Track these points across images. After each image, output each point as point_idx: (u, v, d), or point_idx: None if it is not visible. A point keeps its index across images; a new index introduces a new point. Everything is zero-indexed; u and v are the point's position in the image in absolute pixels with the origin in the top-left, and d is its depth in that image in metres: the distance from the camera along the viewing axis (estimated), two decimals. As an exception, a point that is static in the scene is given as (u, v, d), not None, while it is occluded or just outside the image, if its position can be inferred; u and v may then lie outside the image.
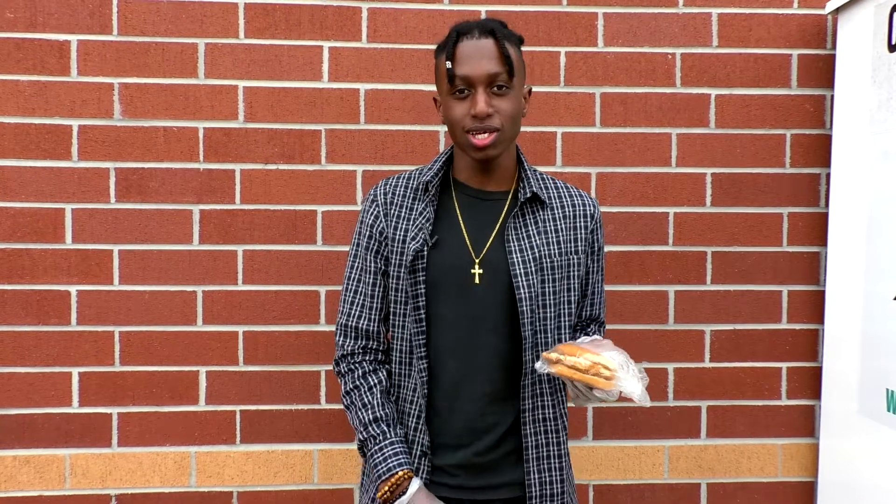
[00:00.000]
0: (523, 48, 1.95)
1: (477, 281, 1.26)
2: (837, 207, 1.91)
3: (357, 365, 1.33)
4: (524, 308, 1.25)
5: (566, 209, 1.34)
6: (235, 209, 1.91)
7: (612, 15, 1.95)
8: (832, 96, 1.97)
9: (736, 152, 1.98)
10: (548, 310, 1.28)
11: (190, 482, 1.91)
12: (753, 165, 1.99)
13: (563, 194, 1.36)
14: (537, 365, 1.18)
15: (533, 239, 1.29)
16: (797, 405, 2.02)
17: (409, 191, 1.33)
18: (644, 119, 1.97)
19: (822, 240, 1.99)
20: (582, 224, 1.34)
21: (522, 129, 1.93)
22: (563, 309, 1.31)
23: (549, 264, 1.28)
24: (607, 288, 1.97)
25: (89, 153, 1.87)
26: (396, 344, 1.32)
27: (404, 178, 1.36)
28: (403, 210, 1.31)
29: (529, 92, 1.33)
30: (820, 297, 2.00)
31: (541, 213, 1.32)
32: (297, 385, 1.93)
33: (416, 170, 1.37)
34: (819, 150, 1.99)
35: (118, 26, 1.86)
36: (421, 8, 1.91)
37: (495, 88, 1.21)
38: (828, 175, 1.98)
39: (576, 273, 1.33)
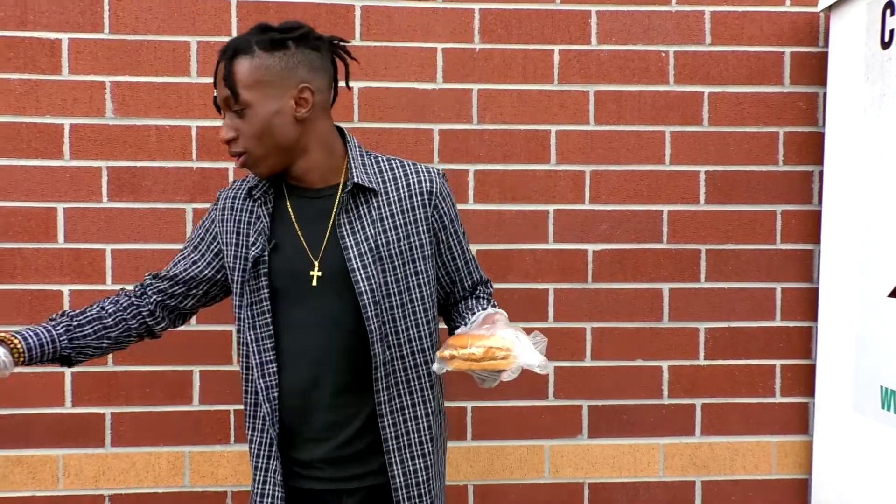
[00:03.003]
0: (518, 45, 1.94)
1: (314, 283, 1.25)
2: (831, 205, 1.91)
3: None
4: (366, 301, 1.24)
5: (401, 191, 1.30)
6: (229, 208, 1.90)
7: (606, 13, 1.95)
8: (825, 94, 1.97)
9: (729, 150, 1.98)
10: (394, 298, 1.26)
11: (184, 482, 1.91)
12: (747, 163, 1.99)
13: (398, 174, 1.31)
14: (434, 367, 1.15)
15: (368, 229, 1.26)
16: (791, 402, 2.02)
17: (245, 193, 1.32)
18: (638, 117, 1.97)
19: (816, 237, 2.00)
20: (419, 203, 1.30)
21: (516, 127, 1.94)
22: (414, 294, 1.29)
23: (386, 252, 1.26)
24: (603, 286, 1.97)
25: (81, 152, 1.86)
26: (245, 350, 1.31)
27: (246, 182, 1.35)
28: (244, 214, 1.30)
29: (301, 91, 1.22)
30: (813, 294, 2.00)
31: (374, 200, 1.28)
32: (291, 384, 1.93)
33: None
34: (812, 148, 2.00)
35: (110, 24, 1.85)
36: (414, 6, 1.91)
37: (235, 111, 1.22)
38: (821, 172, 1.99)
39: (421, 255, 1.29)
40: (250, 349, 1.29)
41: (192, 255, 1.35)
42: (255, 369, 1.28)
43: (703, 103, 1.97)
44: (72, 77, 1.85)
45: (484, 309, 1.32)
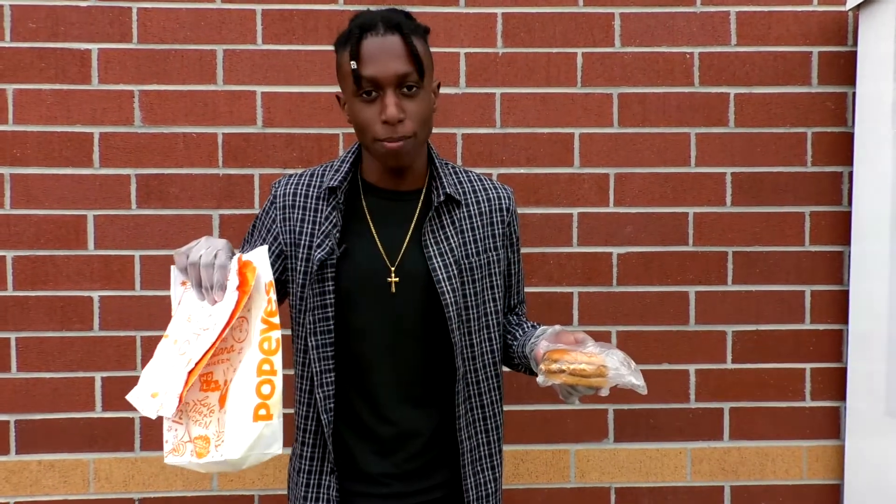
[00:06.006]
0: (541, 48, 1.94)
1: (393, 290, 1.20)
2: (860, 206, 1.88)
3: None
4: (451, 314, 1.19)
5: (482, 205, 1.27)
6: (255, 214, 1.92)
7: (629, 15, 1.94)
8: (854, 93, 1.94)
9: (756, 151, 1.96)
10: (471, 311, 1.23)
11: (212, 486, 1.92)
12: (774, 164, 1.97)
13: (477, 188, 1.29)
14: (539, 379, 1.12)
15: (451, 240, 1.22)
16: (822, 406, 1.99)
17: (312, 189, 1.23)
18: (662, 119, 1.95)
19: (846, 239, 1.97)
20: (498, 218, 1.28)
21: (539, 130, 1.94)
22: (489, 308, 1.26)
23: (467, 265, 1.22)
24: (628, 289, 1.96)
25: (110, 160, 1.89)
26: (302, 357, 1.24)
27: (307, 176, 1.26)
28: (307, 213, 1.22)
29: (438, 86, 1.24)
30: (844, 296, 1.97)
31: (456, 212, 1.24)
32: (316, 389, 1.94)
33: (321, 168, 1.27)
34: (841, 148, 1.97)
35: (138, 34, 1.88)
36: (437, 11, 1.91)
37: (405, 89, 1.12)
38: (850, 173, 1.96)
39: (496, 270, 1.27)
40: (309, 356, 1.21)
41: None
42: (315, 377, 1.21)
43: (728, 104, 1.95)
44: (101, 87, 1.88)
45: (527, 329, 1.31)
